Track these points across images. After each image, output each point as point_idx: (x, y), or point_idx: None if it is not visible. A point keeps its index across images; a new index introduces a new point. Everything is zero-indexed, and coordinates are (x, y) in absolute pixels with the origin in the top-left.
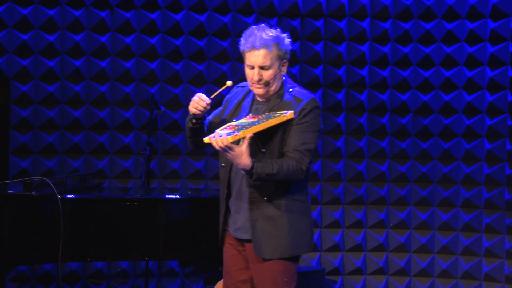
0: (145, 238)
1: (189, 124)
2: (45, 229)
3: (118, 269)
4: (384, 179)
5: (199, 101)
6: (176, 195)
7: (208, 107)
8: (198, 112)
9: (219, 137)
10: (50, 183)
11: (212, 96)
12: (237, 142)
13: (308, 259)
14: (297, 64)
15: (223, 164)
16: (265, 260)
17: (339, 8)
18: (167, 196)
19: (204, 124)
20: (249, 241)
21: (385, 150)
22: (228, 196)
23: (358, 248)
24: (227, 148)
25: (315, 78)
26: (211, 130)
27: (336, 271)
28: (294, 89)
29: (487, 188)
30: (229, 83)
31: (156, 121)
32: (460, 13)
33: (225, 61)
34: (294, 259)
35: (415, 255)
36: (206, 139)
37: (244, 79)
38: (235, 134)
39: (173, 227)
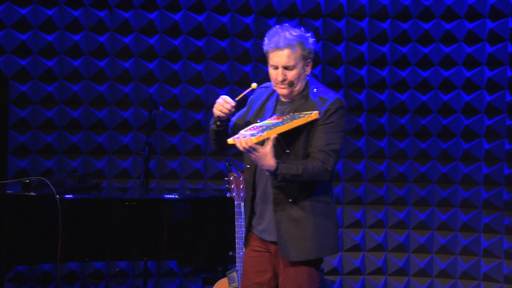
0: (144, 238)
1: (214, 127)
2: (44, 229)
3: (117, 269)
4: (382, 179)
5: (223, 104)
6: (175, 195)
7: (233, 110)
8: (223, 114)
9: (243, 138)
10: (49, 183)
11: (237, 99)
12: (261, 143)
13: None
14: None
15: (247, 166)
16: (290, 261)
17: (337, 8)
18: (166, 196)
19: (229, 126)
20: (274, 242)
21: (384, 150)
22: (253, 197)
23: (356, 248)
24: (251, 149)
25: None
26: (235, 132)
27: (334, 271)
28: (318, 89)
29: (486, 188)
30: (254, 85)
31: (154, 121)
32: (459, 13)
33: (224, 61)
34: (319, 261)
35: (414, 255)
36: (230, 140)
37: (242, 79)
38: (259, 134)
39: (172, 227)
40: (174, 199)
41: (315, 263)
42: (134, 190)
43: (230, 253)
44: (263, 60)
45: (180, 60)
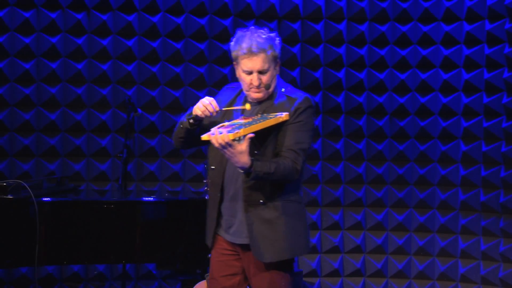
0: (122, 241)
1: (187, 125)
2: (21, 232)
3: (95, 272)
4: (361, 181)
5: (208, 105)
6: (153, 197)
7: (214, 114)
8: (203, 116)
9: (219, 134)
10: (26, 186)
11: (224, 108)
12: (236, 140)
13: None
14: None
15: (212, 167)
16: (264, 263)
17: (315, 10)
18: (144, 199)
19: (196, 129)
20: (245, 245)
21: (362, 152)
22: (221, 199)
23: (335, 250)
24: (227, 145)
25: (292, 81)
26: (200, 130)
27: (313, 273)
28: (286, 89)
29: (463, 189)
30: (248, 106)
31: (133, 123)
32: (436, 16)
33: (202, 64)
34: (292, 261)
35: (392, 257)
36: (204, 137)
37: (221, 82)
38: (236, 131)
39: (150, 230)
40: (153, 201)
41: (289, 263)
42: (112, 192)
43: (209, 255)
44: None
45: (159, 62)
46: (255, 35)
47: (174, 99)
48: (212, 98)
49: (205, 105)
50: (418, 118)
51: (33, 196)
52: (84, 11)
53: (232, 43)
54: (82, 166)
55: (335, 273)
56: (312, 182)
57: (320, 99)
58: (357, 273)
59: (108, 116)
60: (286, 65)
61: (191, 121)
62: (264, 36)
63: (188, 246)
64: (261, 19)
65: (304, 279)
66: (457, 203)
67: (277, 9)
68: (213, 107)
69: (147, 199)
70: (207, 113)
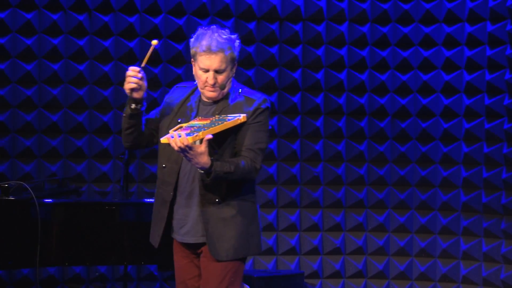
0: (124, 242)
1: (129, 110)
2: (23, 234)
3: (97, 274)
4: (362, 182)
5: (131, 73)
6: (154, 199)
7: (142, 76)
8: (135, 85)
9: (178, 137)
10: (28, 187)
11: (142, 65)
12: (195, 143)
13: (287, 263)
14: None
15: (163, 165)
16: (218, 260)
17: (317, 12)
18: (146, 200)
19: (142, 119)
20: (198, 245)
21: (364, 154)
22: (174, 198)
23: (337, 251)
24: (187, 148)
25: (294, 82)
26: (152, 129)
27: (315, 275)
28: (244, 90)
29: (465, 191)
30: (154, 42)
31: None
32: (438, 17)
33: None
34: (244, 259)
35: (394, 258)
36: (163, 139)
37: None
38: (195, 134)
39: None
40: (153, 203)
41: (241, 260)
42: (113, 194)
43: None
44: (241, 63)
45: (160, 63)
46: (216, 34)
47: None
48: (131, 67)
49: (129, 76)
50: (419, 120)
51: (34, 198)
52: (86, 13)
53: (192, 40)
54: (83, 167)
55: (336, 275)
56: (314, 184)
57: (322, 101)
58: (358, 274)
59: (110, 117)
60: (287, 66)
61: (132, 106)
62: (224, 37)
63: None
64: (262, 21)
65: (305, 280)
66: (459, 204)
67: (279, 10)
68: (135, 72)
69: (149, 200)
70: (135, 80)
